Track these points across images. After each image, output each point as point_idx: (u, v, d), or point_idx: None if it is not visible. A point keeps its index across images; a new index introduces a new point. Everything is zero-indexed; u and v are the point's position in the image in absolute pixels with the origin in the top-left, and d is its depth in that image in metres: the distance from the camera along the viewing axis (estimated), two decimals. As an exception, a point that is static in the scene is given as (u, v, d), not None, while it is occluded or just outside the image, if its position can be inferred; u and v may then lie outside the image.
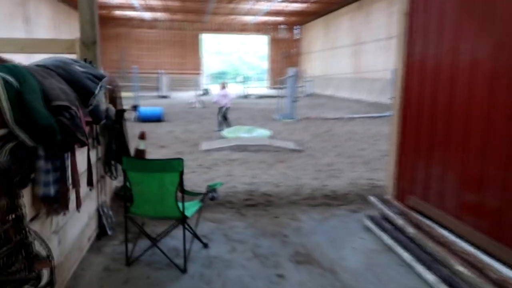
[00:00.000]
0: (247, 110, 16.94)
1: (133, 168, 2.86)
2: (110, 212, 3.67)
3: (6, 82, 1.76)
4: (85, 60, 3.41)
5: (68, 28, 26.44)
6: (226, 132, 9.44)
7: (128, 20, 33.34)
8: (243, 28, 36.05)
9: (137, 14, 30.78)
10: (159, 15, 31.25)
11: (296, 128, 11.41)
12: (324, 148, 8.26)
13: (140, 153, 4.25)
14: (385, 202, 3.84)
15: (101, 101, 2.82)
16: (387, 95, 17.65)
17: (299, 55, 36.03)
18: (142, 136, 4.34)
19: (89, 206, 3.19)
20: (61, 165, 2.23)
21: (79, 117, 2.25)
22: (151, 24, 34.12)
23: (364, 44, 22.52)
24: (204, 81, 35.68)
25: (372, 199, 3.98)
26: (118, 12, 30.36)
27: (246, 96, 25.00)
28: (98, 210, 3.45)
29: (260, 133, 9.61)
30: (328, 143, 8.96)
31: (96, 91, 2.51)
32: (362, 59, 22.87)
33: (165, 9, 28.40)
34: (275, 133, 10.22)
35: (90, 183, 2.82)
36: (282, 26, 35.78)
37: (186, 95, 25.97)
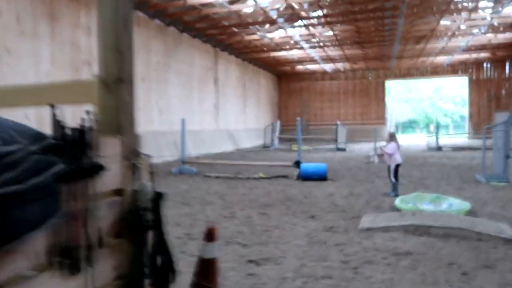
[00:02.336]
0: (439, 166, 13.54)
1: None
2: None
3: None
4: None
5: (253, 86, 28.21)
6: (401, 201, 6.91)
7: (311, 74, 33.81)
8: (436, 71, 31.92)
9: (318, 66, 30.85)
10: (340, 65, 30.54)
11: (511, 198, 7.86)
12: None
13: (206, 267, 2.38)
14: None
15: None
16: None
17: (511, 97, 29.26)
18: (210, 236, 2.45)
19: None
20: None
21: None
22: (333, 75, 33.72)
23: None
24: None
25: None
26: (300, 67, 31.07)
27: (439, 148, 20.96)
28: None
29: (453, 205, 6.70)
30: None
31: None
32: None
33: (346, 59, 27.44)
34: (478, 205, 7.07)
35: None
36: (487, 64, 30.00)
37: (366, 148, 23.64)
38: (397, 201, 6.88)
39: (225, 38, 20.14)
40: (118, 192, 2.09)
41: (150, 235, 2.14)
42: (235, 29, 18.41)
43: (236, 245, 5.01)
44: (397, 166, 8.30)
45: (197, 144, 18.77)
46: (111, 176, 1.95)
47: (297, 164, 11.13)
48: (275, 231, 5.81)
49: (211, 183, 10.59)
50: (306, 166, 10.81)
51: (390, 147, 8.43)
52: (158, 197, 2.18)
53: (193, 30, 18.09)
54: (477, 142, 26.49)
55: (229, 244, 5.05)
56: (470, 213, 6.45)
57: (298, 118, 11.31)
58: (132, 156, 2.21)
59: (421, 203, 7.00)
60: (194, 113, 19.25)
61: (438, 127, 21.99)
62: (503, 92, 29.59)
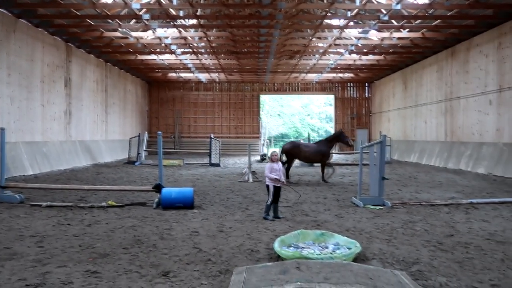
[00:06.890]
0: (313, 185, 12.86)
1: None
2: None
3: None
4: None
5: (117, 92, 24.97)
6: (280, 243, 5.41)
7: (185, 83, 31.90)
8: (306, 87, 33.05)
9: (192, 76, 29.10)
10: (215, 76, 29.31)
11: (394, 226, 7.10)
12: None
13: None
14: None
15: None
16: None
17: (369, 115, 31.82)
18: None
19: None
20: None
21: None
22: (208, 86, 32.36)
23: (461, 99, 17.92)
24: (263, 146, 32.46)
25: None
26: (173, 74, 28.87)
27: (311, 164, 20.91)
28: None
29: (340, 246, 5.46)
30: (473, 268, 4.55)
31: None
32: (458, 118, 18.14)
33: (221, 69, 26.26)
34: (363, 240, 6.02)
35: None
36: (350, 84, 32.18)
37: (241, 162, 22.61)
38: (276, 244, 5.35)
39: (79, 32, 16.89)
40: None
41: None
42: (90, 22, 15.41)
43: None
44: (269, 186, 7.59)
45: (37, 159, 15.05)
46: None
47: (158, 188, 9.02)
48: (98, 313, 3.68)
49: (36, 217, 7.78)
50: (169, 191, 8.77)
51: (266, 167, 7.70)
52: None
53: (35, 16, 14.54)
54: (343, 157, 27.90)
55: None
56: (359, 257, 5.27)
57: (159, 132, 9.24)
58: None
59: (305, 243, 5.63)
60: (35, 120, 15.52)
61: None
62: (363, 111, 32.03)
